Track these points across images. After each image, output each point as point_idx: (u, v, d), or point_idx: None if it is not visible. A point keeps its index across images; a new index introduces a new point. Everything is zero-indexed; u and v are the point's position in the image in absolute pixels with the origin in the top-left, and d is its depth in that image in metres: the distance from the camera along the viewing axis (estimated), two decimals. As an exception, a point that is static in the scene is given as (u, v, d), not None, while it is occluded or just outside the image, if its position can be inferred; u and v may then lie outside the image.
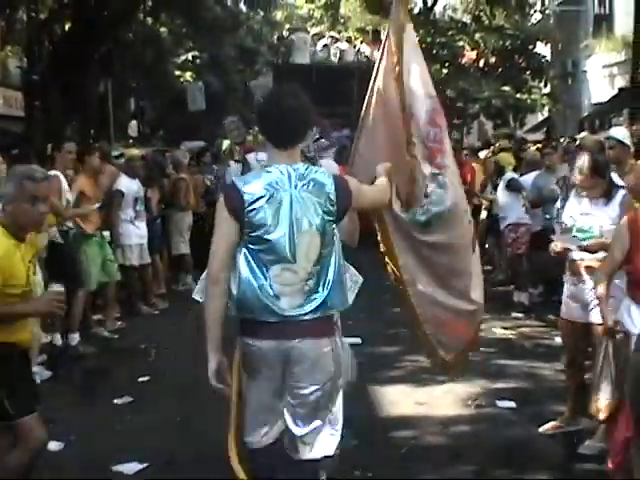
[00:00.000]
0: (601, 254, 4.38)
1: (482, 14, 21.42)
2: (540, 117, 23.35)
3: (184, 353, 6.42)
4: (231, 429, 3.36)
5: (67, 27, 18.46)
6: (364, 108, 4.05)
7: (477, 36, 20.67)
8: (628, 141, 6.19)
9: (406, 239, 3.99)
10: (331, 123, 13.21)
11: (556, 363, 5.87)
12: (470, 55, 21.47)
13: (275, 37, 23.56)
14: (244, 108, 21.31)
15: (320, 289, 3.07)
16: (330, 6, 23.49)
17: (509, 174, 9.04)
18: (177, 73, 26.12)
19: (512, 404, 5.53)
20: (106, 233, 7.85)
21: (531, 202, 8.25)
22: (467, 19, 22.24)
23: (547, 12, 23.69)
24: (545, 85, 21.53)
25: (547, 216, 7.91)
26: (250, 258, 3.04)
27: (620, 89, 18.20)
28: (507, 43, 20.73)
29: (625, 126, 10.40)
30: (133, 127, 25.43)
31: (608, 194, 4.66)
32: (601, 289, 4.03)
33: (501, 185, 9.01)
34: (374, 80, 4.03)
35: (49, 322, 6.32)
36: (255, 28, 30.40)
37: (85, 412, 5.43)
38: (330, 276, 3.08)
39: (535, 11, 23.17)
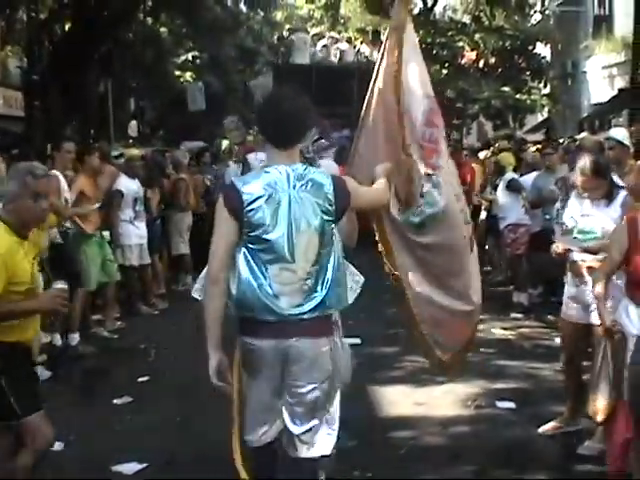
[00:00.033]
0: (602, 255, 4.37)
1: (482, 14, 21.44)
2: (540, 118, 23.35)
3: (184, 353, 6.42)
4: (235, 429, 3.37)
5: (67, 27, 18.46)
6: (364, 108, 4.05)
7: (477, 36, 20.70)
8: (627, 142, 6.19)
9: (402, 239, 4.00)
10: (331, 123, 13.21)
11: (555, 364, 5.87)
12: (470, 55, 21.49)
13: (275, 37, 23.58)
14: (244, 108, 21.30)
15: (319, 289, 3.09)
16: (330, 6, 23.49)
17: (509, 174, 9.04)
18: (177, 73, 26.08)
19: (511, 405, 5.53)
20: (106, 233, 7.85)
21: (531, 203, 8.25)
22: (467, 19, 22.25)
23: (547, 13, 23.69)
24: (545, 86, 21.55)
25: (547, 217, 7.92)
26: (249, 258, 3.06)
27: (620, 90, 18.20)
28: (507, 44, 20.76)
29: (625, 127, 10.41)
30: (133, 127, 25.43)
31: (609, 195, 4.64)
32: (599, 289, 4.03)
33: (501, 185, 9.01)
34: (374, 80, 4.03)
35: (49, 322, 6.32)
36: (255, 28, 30.37)
37: (85, 412, 5.43)
38: (329, 276, 3.10)
39: (535, 12, 23.18)
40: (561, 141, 12.77)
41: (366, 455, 4.61)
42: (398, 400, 5.68)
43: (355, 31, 21.62)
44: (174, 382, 6.05)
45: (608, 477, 4.04)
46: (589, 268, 4.55)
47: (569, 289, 4.80)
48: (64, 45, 16.96)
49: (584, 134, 11.82)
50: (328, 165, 4.63)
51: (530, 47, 21.18)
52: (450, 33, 20.80)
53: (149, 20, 21.63)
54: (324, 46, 16.82)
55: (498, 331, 7.69)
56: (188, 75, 25.89)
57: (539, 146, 11.87)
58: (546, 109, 21.97)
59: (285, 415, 3.21)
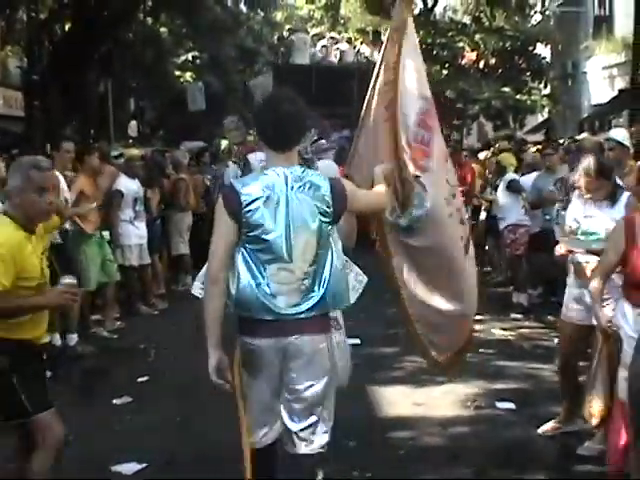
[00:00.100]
0: None
1: (482, 15, 21.44)
2: (540, 118, 23.36)
3: (183, 353, 6.42)
4: (243, 429, 3.39)
5: (67, 27, 18.49)
6: (364, 108, 4.06)
7: (477, 37, 20.72)
8: (627, 142, 6.19)
9: (396, 240, 4.00)
10: (331, 124, 13.26)
11: (555, 364, 5.87)
12: (470, 56, 21.50)
13: (275, 38, 23.59)
14: (244, 108, 21.31)
15: (316, 288, 3.12)
16: (330, 7, 23.51)
17: (509, 175, 9.03)
18: (177, 73, 26.10)
19: (511, 405, 5.53)
20: (105, 233, 7.85)
21: (531, 203, 8.25)
22: (467, 20, 22.25)
23: (547, 13, 23.69)
24: (545, 86, 21.56)
25: (547, 217, 7.92)
26: (248, 258, 3.10)
27: (620, 90, 18.21)
28: (507, 44, 20.77)
29: (625, 127, 10.42)
30: (133, 127, 25.45)
31: (613, 196, 4.62)
32: (595, 289, 4.02)
33: (501, 186, 9.00)
34: (374, 80, 4.04)
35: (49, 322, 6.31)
36: (255, 28, 30.39)
37: (84, 412, 5.43)
38: (327, 276, 3.13)
39: (535, 12, 23.19)
40: (561, 142, 12.76)
41: (365, 455, 4.61)
42: (397, 400, 5.68)
43: (355, 31, 21.63)
44: (174, 382, 6.05)
45: (607, 477, 4.04)
46: (593, 270, 4.53)
47: (571, 290, 4.78)
48: (64, 45, 16.99)
49: (584, 135, 11.82)
50: (328, 165, 4.62)
51: (530, 48, 21.20)
52: (450, 34, 20.82)
53: (149, 20, 21.66)
54: (324, 46, 16.83)
55: (498, 331, 7.70)
56: (188, 75, 25.91)
57: (539, 147, 11.87)
58: (546, 110, 22.00)
59: (283, 412, 3.23)
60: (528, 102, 20.21)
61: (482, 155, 12.71)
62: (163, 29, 24.59)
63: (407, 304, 4.04)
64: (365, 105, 4.07)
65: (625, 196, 4.63)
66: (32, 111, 17.70)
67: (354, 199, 3.25)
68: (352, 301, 3.47)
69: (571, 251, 4.70)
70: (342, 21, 24.54)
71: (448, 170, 4.09)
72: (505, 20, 21.39)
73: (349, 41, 18.37)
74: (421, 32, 19.20)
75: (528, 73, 21.14)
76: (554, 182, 7.76)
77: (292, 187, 3.10)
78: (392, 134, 3.90)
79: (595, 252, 4.48)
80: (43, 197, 3.52)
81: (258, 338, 3.14)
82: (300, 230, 3.08)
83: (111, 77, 21.00)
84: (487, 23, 21.22)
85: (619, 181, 4.90)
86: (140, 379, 6.25)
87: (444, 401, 5.63)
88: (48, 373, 6.04)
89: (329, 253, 3.16)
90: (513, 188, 8.72)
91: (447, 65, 20.59)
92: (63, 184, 7.02)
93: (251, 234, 3.08)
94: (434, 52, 20.16)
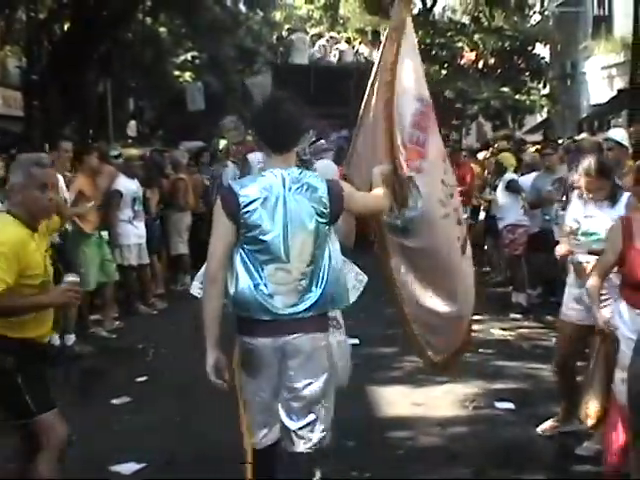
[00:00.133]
0: None
1: (481, 15, 21.44)
2: (539, 118, 23.36)
3: (182, 353, 6.42)
4: (243, 428, 3.39)
5: (66, 27, 18.47)
6: (362, 107, 4.06)
7: (476, 37, 20.69)
8: (626, 142, 6.19)
9: (394, 241, 4.00)
10: (330, 123, 13.27)
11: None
12: (469, 56, 21.49)
13: (274, 37, 23.59)
14: (243, 108, 21.30)
15: (313, 289, 3.15)
16: (329, 7, 23.52)
17: (509, 175, 9.02)
18: (176, 73, 26.07)
19: (510, 405, 5.53)
20: (104, 233, 7.85)
21: (530, 203, 8.26)
22: (466, 20, 22.24)
23: (546, 13, 23.68)
24: (544, 86, 21.55)
25: (546, 217, 7.93)
26: (246, 258, 3.13)
27: (619, 90, 18.21)
28: (506, 44, 20.75)
29: (624, 127, 10.41)
30: (132, 127, 25.45)
31: (613, 196, 4.61)
32: (593, 289, 4.02)
33: (501, 186, 8.99)
34: (373, 79, 4.04)
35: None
36: (254, 28, 30.39)
37: (83, 412, 5.42)
38: (324, 276, 3.16)
39: (534, 12, 23.18)
40: (560, 142, 12.76)
41: (364, 455, 4.61)
42: (396, 400, 5.68)
43: (354, 31, 21.63)
44: (173, 382, 6.05)
45: (605, 477, 4.04)
46: (591, 269, 4.53)
47: (571, 290, 4.78)
48: (63, 45, 16.98)
49: (583, 135, 11.82)
50: (327, 165, 4.62)
51: (529, 48, 21.19)
52: (449, 34, 20.80)
53: (148, 20, 21.65)
54: (323, 46, 16.83)
55: (497, 331, 7.70)
56: (187, 75, 25.88)
57: (538, 147, 11.87)
58: (545, 110, 21.98)
59: (281, 411, 3.24)
60: (527, 102, 20.19)
61: (481, 155, 12.71)
62: (162, 29, 24.57)
63: (404, 304, 4.04)
64: (363, 104, 4.07)
65: (625, 196, 4.62)
66: (31, 111, 17.70)
67: (351, 200, 3.27)
68: (352, 300, 3.49)
69: (572, 251, 4.69)
70: (341, 21, 24.54)
71: (446, 170, 4.07)
72: (504, 20, 21.38)
73: (348, 41, 18.37)
74: (420, 32, 19.18)
75: (527, 73, 21.13)
76: (552, 182, 7.77)
77: (290, 188, 3.13)
78: (388, 134, 3.90)
79: (596, 252, 4.47)
80: (45, 194, 3.50)
81: (256, 338, 3.16)
82: (297, 231, 3.11)
83: (110, 77, 20.97)
84: (486, 23, 21.21)
85: (617, 181, 4.89)
86: (139, 379, 6.25)
87: (443, 401, 5.64)
88: (47, 373, 6.14)
89: (326, 254, 3.18)
90: (512, 188, 8.72)
91: (446, 65, 20.58)
92: (62, 184, 7.01)
93: (249, 235, 3.11)
94: (433, 52, 20.15)
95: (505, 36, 20.69)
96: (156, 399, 5.76)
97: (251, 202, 3.09)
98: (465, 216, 10.63)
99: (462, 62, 21.46)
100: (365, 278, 3.73)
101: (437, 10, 23.55)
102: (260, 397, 3.25)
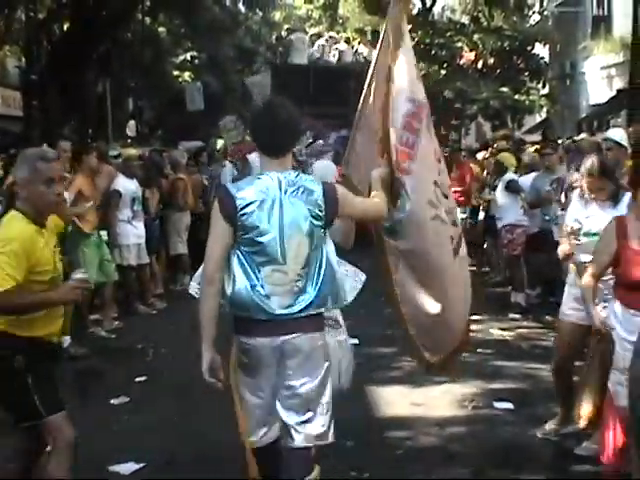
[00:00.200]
0: None
1: (480, 15, 21.45)
2: (538, 118, 23.37)
3: (182, 353, 6.40)
4: (241, 428, 3.40)
5: (66, 27, 18.50)
6: (360, 106, 4.06)
7: (475, 37, 20.70)
8: (625, 143, 6.19)
9: (388, 242, 4.00)
10: (329, 123, 13.27)
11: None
12: (468, 56, 21.50)
13: (274, 37, 23.63)
14: (242, 108, 21.31)
15: (309, 289, 3.19)
16: (328, 7, 23.53)
17: (509, 175, 9.01)
18: (175, 73, 26.11)
19: (509, 405, 5.53)
20: (103, 233, 7.85)
21: (530, 203, 8.26)
22: (465, 20, 22.27)
23: (545, 13, 23.71)
24: (543, 86, 21.57)
25: (546, 217, 7.93)
26: (243, 260, 3.18)
27: (618, 90, 18.21)
28: (505, 44, 20.76)
29: (623, 128, 10.42)
30: (131, 127, 25.42)
31: (615, 197, 4.61)
32: (587, 289, 4.02)
33: (500, 186, 8.99)
34: (370, 78, 4.04)
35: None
36: (254, 28, 30.41)
37: (82, 412, 5.40)
38: (319, 277, 3.20)
39: (533, 12, 23.22)
40: (559, 142, 12.76)
41: (363, 455, 4.61)
42: (395, 400, 5.68)
43: (353, 31, 21.64)
44: (172, 382, 6.05)
45: (604, 477, 4.04)
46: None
47: (571, 290, 4.77)
48: (62, 45, 16.99)
49: (583, 135, 11.82)
50: (326, 166, 4.62)
51: (529, 48, 21.19)
52: (449, 33, 20.81)
53: (148, 20, 21.66)
54: (322, 46, 16.84)
55: (496, 331, 7.70)
56: (186, 75, 25.92)
57: (537, 147, 11.87)
58: (545, 110, 21.99)
59: (280, 409, 3.25)
60: (526, 102, 20.19)
61: (480, 155, 12.70)
62: (162, 29, 24.62)
63: (402, 304, 4.04)
64: (360, 104, 4.07)
65: (627, 196, 4.61)
66: (30, 111, 17.70)
67: (346, 203, 3.31)
68: (350, 299, 3.52)
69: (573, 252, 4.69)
70: (340, 21, 24.56)
71: (440, 171, 4.04)
72: (503, 20, 21.41)
73: (347, 41, 18.38)
74: (419, 32, 19.26)
75: (526, 73, 21.13)
76: (550, 182, 7.77)
77: (286, 191, 3.17)
78: (385, 134, 3.89)
79: None
80: (51, 188, 3.48)
81: (254, 338, 3.19)
82: (293, 233, 3.15)
83: (109, 77, 21.00)
84: (485, 23, 21.23)
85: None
86: (138, 379, 6.25)
87: (442, 401, 5.64)
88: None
89: (322, 255, 3.23)
90: (512, 188, 8.71)
91: (445, 65, 20.59)
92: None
93: (246, 237, 3.15)
94: (432, 52, 20.17)
95: (504, 36, 20.69)
96: (155, 399, 5.76)
97: (248, 204, 3.13)
98: (465, 216, 10.74)
99: (461, 62, 21.47)
100: (363, 276, 3.78)
101: (436, 10, 23.59)
102: (259, 396, 3.26)
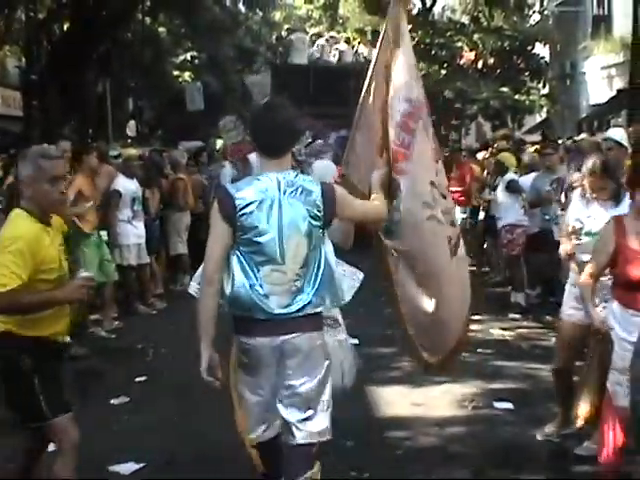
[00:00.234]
0: None
1: (481, 15, 21.45)
2: (538, 118, 23.34)
3: (182, 353, 6.39)
4: (240, 427, 3.40)
5: (66, 27, 18.50)
6: (359, 107, 4.06)
7: (475, 37, 20.69)
8: (625, 142, 6.19)
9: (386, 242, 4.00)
10: (329, 123, 13.25)
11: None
12: (468, 56, 21.50)
13: (274, 37, 23.62)
14: (242, 108, 21.31)
15: (307, 289, 3.21)
16: (329, 7, 23.53)
17: (509, 175, 9.01)
18: (175, 73, 26.09)
19: (509, 405, 5.53)
20: (104, 233, 7.85)
21: (530, 203, 8.25)
22: (466, 20, 22.26)
23: (546, 13, 23.70)
24: (543, 86, 21.56)
25: (546, 217, 7.92)
26: (242, 259, 3.19)
27: (618, 90, 18.21)
28: (505, 44, 20.75)
29: (623, 127, 10.41)
30: (131, 127, 25.42)
31: (617, 196, 4.60)
32: (586, 288, 4.01)
33: (501, 186, 8.99)
34: (370, 78, 4.04)
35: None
36: (254, 28, 30.40)
37: (82, 412, 5.38)
38: (317, 277, 3.23)
39: (534, 12, 23.21)
40: (559, 142, 12.75)
41: (363, 455, 4.62)
42: (395, 400, 5.68)
43: (354, 31, 21.63)
44: (172, 382, 6.05)
45: (603, 477, 4.04)
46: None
47: (572, 289, 4.76)
48: (62, 45, 16.99)
49: (583, 135, 11.82)
50: (327, 166, 4.63)
51: (529, 47, 21.19)
52: (449, 33, 20.80)
53: (148, 20, 21.66)
54: (322, 46, 16.83)
55: (496, 331, 7.69)
56: (186, 75, 25.90)
57: (537, 147, 11.86)
58: (545, 110, 21.97)
59: (281, 407, 3.26)
60: (526, 102, 20.18)
61: (480, 155, 12.70)
62: (162, 29, 24.61)
63: (401, 304, 4.04)
64: (360, 104, 4.07)
65: (628, 196, 4.61)
66: (30, 111, 17.70)
67: (345, 205, 3.33)
68: (348, 299, 3.52)
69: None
70: (340, 21, 24.56)
71: (438, 171, 4.02)
72: (504, 20, 21.40)
73: (347, 41, 18.37)
74: (419, 32, 19.25)
75: (526, 73, 21.12)
76: (550, 182, 7.77)
77: (285, 192, 3.19)
78: (384, 134, 3.89)
79: None
80: (55, 186, 3.47)
81: (253, 337, 3.21)
82: (292, 233, 3.17)
83: (109, 77, 21.00)
84: (485, 23, 21.22)
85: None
86: (138, 379, 6.25)
87: (442, 401, 5.64)
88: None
89: (320, 255, 3.25)
90: (512, 188, 8.71)
91: (445, 65, 20.58)
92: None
93: (245, 237, 3.16)
94: (432, 52, 20.17)
95: (504, 36, 20.69)
96: (155, 399, 5.76)
97: (247, 205, 3.15)
98: (465, 216, 10.74)
99: (461, 62, 21.47)
100: (361, 275, 3.78)
101: (436, 10, 23.58)
102: (258, 394, 3.29)
